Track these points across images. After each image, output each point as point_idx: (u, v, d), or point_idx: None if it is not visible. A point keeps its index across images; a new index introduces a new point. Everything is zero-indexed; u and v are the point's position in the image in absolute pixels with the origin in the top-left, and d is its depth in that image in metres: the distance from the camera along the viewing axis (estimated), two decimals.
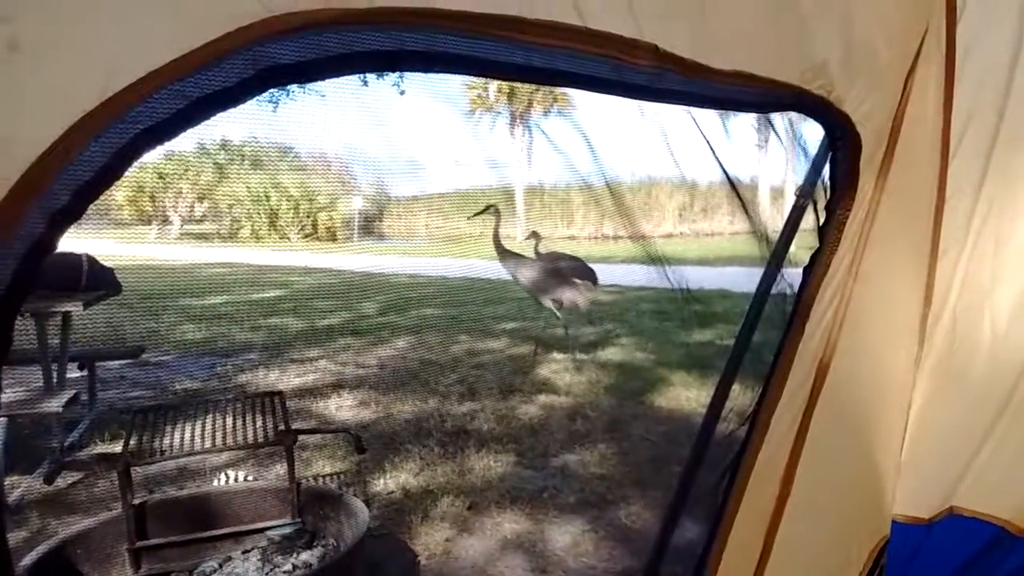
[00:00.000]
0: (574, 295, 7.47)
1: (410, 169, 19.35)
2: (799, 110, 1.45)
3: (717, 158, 1.63)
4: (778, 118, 1.81)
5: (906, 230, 1.98)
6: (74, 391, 4.67)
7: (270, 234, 19.24)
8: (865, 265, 1.81)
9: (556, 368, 7.13)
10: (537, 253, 7.99)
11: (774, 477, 1.89)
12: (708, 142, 1.58)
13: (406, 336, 8.65)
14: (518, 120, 22.63)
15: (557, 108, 21.94)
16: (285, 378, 6.82)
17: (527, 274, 7.52)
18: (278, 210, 19.35)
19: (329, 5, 0.80)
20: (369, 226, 21.49)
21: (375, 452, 4.85)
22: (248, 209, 19.16)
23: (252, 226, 19.17)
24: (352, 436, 4.36)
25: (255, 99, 0.87)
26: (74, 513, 3.95)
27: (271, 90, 0.87)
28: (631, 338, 8.54)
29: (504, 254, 7.56)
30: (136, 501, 3.08)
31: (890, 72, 1.63)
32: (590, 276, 8.20)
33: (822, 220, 1.70)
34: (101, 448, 4.96)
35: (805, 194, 1.76)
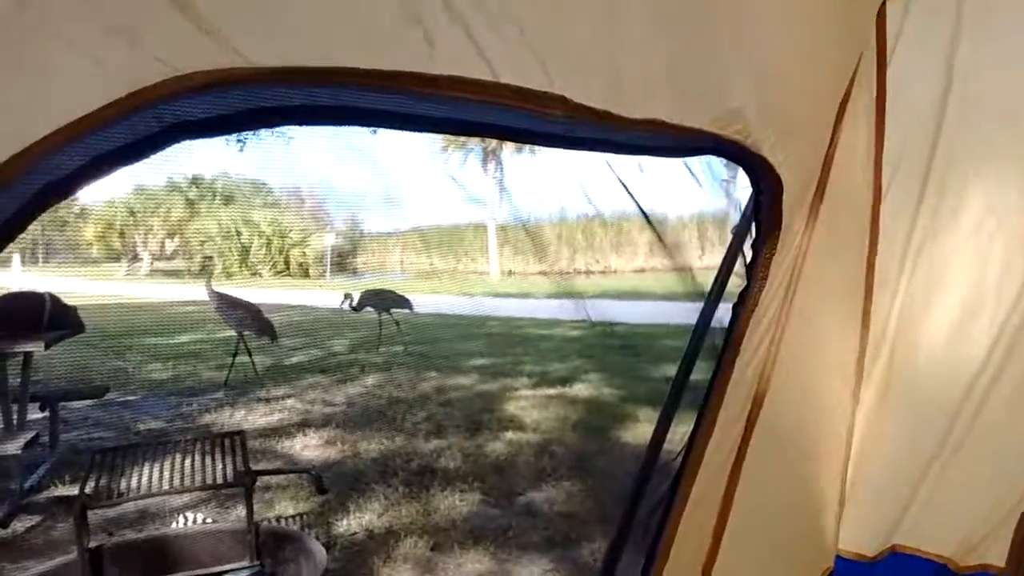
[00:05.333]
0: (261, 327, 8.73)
1: (384, 205, 19.44)
2: (717, 154, 1.48)
3: (635, 200, 1.67)
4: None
5: (840, 266, 2.03)
6: (34, 432, 4.61)
7: (241, 271, 19.11)
8: (798, 301, 1.86)
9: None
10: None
11: (711, 509, 1.92)
12: (624, 186, 1.63)
13: (375, 373, 8.62)
14: (490, 157, 22.74)
15: (528, 147, 22.04)
16: (252, 417, 6.76)
17: (232, 312, 8.66)
18: (250, 247, 19.27)
19: (233, 64, 0.83)
20: (343, 262, 21.46)
21: (340, 492, 4.82)
22: (219, 246, 19.06)
23: (223, 263, 19.05)
24: (313, 476, 4.36)
25: (158, 150, 0.91)
26: (31, 558, 3.88)
27: (180, 143, 0.89)
28: (596, 373, 8.57)
29: (213, 295, 8.63)
30: (92, 545, 3.04)
31: (814, 116, 1.68)
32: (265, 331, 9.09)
33: (749, 259, 1.74)
34: (62, 491, 4.89)
35: (740, 233, 1.81)
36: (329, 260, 20.14)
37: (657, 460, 1.86)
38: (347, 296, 10.23)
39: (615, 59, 1.17)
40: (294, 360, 9.58)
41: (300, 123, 1.01)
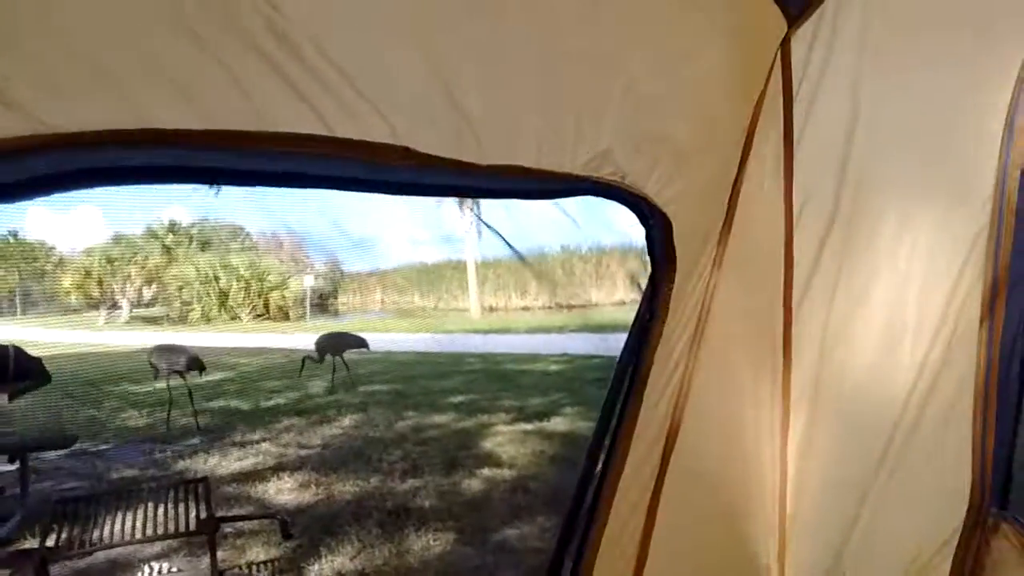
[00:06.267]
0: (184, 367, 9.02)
1: (362, 246, 19.49)
2: (595, 195, 1.49)
3: (505, 241, 1.70)
4: None
5: (754, 298, 2.07)
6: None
7: (220, 315, 19.02)
8: (711, 334, 1.89)
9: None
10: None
11: (628, 546, 1.93)
12: (491, 228, 1.66)
13: (352, 414, 8.58)
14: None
15: None
16: (225, 463, 6.71)
17: (166, 357, 9.10)
18: (228, 291, 19.19)
19: (33, 131, 0.82)
20: (323, 303, 21.45)
21: (312, 536, 4.80)
22: (198, 291, 19.00)
23: (202, 308, 18.96)
24: (280, 521, 4.33)
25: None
26: None
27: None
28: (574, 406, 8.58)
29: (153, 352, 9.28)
30: None
31: (706, 155, 1.71)
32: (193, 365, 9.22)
33: (650, 293, 1.77)
34: (32, 543, 4.83)
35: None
36: (308, 302, 20.10)
37: (588, 490, 1.88)
38: (304, 360, 10.52)
39: (463, 108, 1.18)
40: (269, 404, 9.53)
41: (108, 185, 0.99)
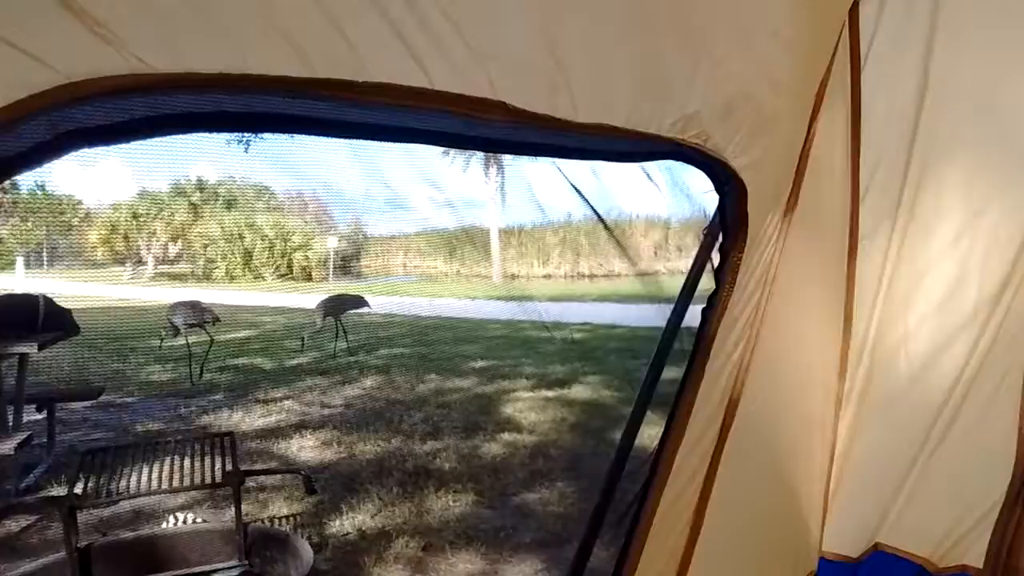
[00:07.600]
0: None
1: (386, 209, 19.49)
2: (676, 159, 1.46)
3: (590, 205, 1.67)
4: None
5: (818, 270, 2.01)
6: (27, 433, 4.63)
7: (244, 274, 19.18)
8: (774, 306, 1.84)
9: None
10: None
11: (683, 514, 1.90)
12: (578, 191, 1.62)
13: (374, 376, 8.63)
14: (492, 161, 22.71)
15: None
16: (248, 419, 6.77)
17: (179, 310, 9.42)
18: (252, 250, 19.33)
19: (134, 71, 0.78)
20: (346, 265, 21.54)
21: (334, 493, 4.83)
22: (222, 249, 19.15)
23: (226, 266, 19.11)
24: (303, 477, 4.35)
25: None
26: (26, 556, 3.89)
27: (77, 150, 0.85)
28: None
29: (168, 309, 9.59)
30: (82, 544, 3.05)
31: (781, 120, 1.65)
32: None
33: (716, 263, 1.73)
34: (58, 491, 4.90)
35: (711, 234, 1.79)
36: (332, 263, 20.19)
37: (626, 460, 1.85)
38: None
39: (563, 64, 1.14)
40: (292, 363, 9.62)
41: (205, 131, 0.96)
